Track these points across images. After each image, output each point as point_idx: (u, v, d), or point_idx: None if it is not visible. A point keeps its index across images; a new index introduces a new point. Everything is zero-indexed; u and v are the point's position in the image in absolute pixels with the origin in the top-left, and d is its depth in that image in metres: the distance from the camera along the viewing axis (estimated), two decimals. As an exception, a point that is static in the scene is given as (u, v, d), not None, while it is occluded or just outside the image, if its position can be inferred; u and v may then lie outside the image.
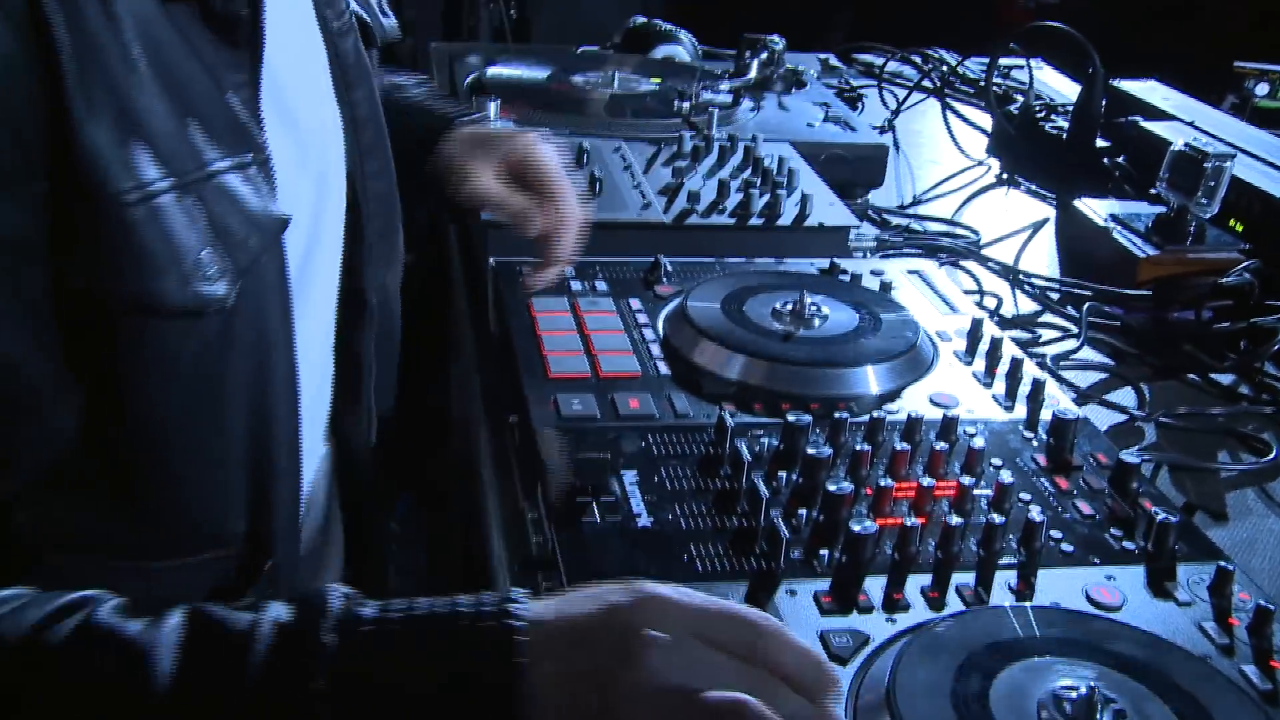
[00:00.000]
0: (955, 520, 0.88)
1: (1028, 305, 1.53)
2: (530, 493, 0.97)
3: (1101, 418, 1.24)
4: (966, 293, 1.41)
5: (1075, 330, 1.44)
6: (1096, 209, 1.64)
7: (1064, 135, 1.92)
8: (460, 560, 1.43)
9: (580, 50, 2.15)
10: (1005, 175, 2.00)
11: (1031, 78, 2.16)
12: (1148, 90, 2.11)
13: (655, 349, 1.14)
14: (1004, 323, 1.44)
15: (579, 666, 0.63)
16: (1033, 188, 1.94)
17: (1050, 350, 1.40)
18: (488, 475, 1.11)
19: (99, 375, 0.74)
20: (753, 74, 2.01)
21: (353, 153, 1.00)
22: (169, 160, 0.72)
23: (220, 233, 0.76)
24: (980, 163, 2.05)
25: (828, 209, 1.47)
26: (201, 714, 0.62)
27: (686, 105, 1.77)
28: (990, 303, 1.51)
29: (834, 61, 2.46)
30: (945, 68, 2.40)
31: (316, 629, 0.64)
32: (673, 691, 0.62)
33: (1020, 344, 1.25)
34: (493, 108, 1.68)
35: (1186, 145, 1.52)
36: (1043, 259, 1.68)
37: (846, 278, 1.33)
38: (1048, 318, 1.50)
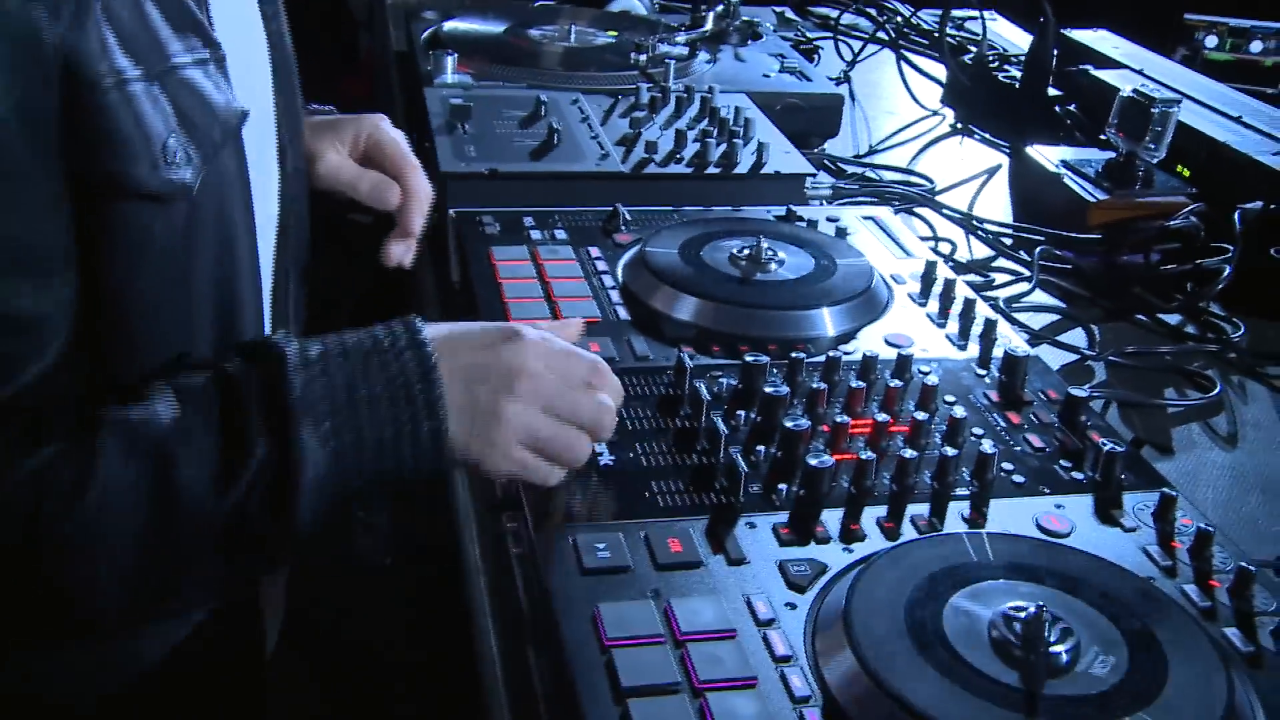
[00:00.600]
0: (910, 454, 0.90)
1: (981, 250, 1.55)
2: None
3: (1054, 358, 1.26)
4: (921, 239, 1.43)
5: (1028, 274, 1.46)
6: (1048, 156, 1.67)
7: (1016, 84, 1.95)
8: (424, 514, 1.44)
9: (537, 4, 2.14)
10: (959, 124, 2.02)
11: (985, 28, 2.17)
12: (1098, 39, 2.13)
13: (614, 295, 1.15)
14: (958, 267, 1.47)
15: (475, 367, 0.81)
16: (986, 136, 1.96)
17: (1003, 294, 1.43)
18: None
19: (76, 260, 0.77)
20: (708, 26, 2.01)
21: (274, 76, 1.02)
22: (135, 51, 0.77)
23: (185, 122, 0.80)
24: (935, 113, 2.07)
25: (784, 157, 1.48)
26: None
27: (643, 57, 1.78)
28: (945, 248, 1.53)
29: (789, 14, 2.47)
30: (899, 19, 2.41)
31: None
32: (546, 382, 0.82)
33: (974, 288, 1.27)
34: (450, 62, 1.68)
35: (1134, 91, 1.54)
36: (996, 205, 1.70)
37: (803, 224, 1.35)
38: (1001, 262, 1.52)
